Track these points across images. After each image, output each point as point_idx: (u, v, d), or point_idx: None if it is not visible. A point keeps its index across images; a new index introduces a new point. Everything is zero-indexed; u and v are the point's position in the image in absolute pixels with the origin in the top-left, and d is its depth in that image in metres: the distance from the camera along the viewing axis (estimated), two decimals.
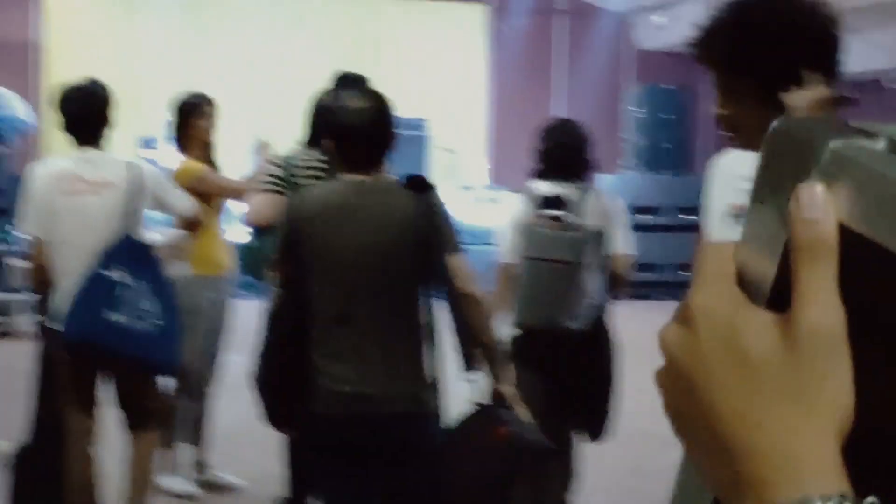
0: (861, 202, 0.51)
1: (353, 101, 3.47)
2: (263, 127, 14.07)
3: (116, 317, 4.32)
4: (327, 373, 3.36)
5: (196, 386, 5.61)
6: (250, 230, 4.58)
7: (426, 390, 3.40)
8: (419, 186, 3.46)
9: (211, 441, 5.84)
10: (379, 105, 3.47)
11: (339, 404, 3.35)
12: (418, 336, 3.42)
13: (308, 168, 4.40)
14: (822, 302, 0.51)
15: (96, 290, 4.34)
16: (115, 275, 4.36)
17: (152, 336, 4.42)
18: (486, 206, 12.99)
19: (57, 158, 4.72)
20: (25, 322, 9.45)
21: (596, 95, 16.55)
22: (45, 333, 4.64)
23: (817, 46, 2.31)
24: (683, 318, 0.55)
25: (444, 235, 3.42)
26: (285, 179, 4.40)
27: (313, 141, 4.47)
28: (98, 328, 4.32)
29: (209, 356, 5.64)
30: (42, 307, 4.66)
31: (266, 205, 4.37)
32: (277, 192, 4.37)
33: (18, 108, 11.78)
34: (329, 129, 3.56)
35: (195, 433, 5.72)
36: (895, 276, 0.50)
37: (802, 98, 2.22)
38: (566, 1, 17.29)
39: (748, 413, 0.52)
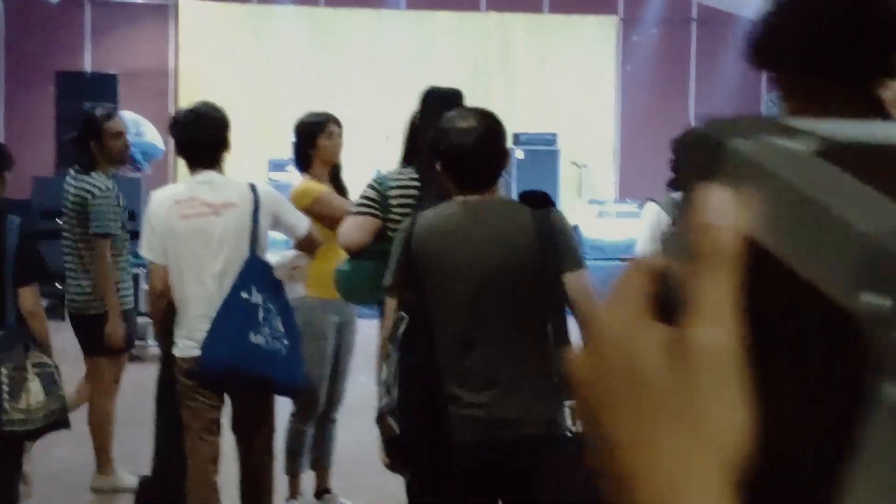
0: (764, 210, 0.47)
1: (462, 121, 3.36)
2: (393, 147, 14.18)
3: (258, 339, 4.29)
4: (456, 398, 3.25)
5: (322, 411, 5.51)
6: (346, 254, 4.49)
7: (560, 412, 3.25)
8: (537, 203, 3.33)
9: (334, 467, 5.72)
10: (488, 124, 3.38)
11: (470, 430, 3.24)
12: (547, 356, 3.27)
13: (400, 188, 4.31)
14: (715, 318, 0.47)
15: (239, 314, 4.31)
16: (254, 297, 4.32)
17: (285, 357, 4.39)
18: (616, 221, 12.76)
19: (176, 184, 4.67)
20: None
21: (732, 105, 16.15)
22: (169, 360, 4.58)
23: (892, 28, 1.96)
24: (588, 340, 0.52)
25: (565, 252, 3.29)
26: (378, 201, 4.32)
27: (408, 160, 4.43)
28: (244, 352, 4.28)
29: (336, 380, 5.53)
30: (164, 333, 4.60)
31: (358, 228, 4.31)
32: (371, 214, 4.30)
33: (153, 134, 11.97)
34: (438, 151, 3.46)
35: (318, 459, 5.62)
36: (797, 294, 0.45)
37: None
38: (698, 10, 16.95)
39: (639, 439, 0.48)
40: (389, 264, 3.43)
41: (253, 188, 4.55)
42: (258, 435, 4.62)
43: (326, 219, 5.17)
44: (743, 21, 16.73)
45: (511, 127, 14.42)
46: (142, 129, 11.77)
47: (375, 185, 4.40)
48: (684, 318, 0.48)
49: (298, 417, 5.44)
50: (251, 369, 4.32)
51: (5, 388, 4.33)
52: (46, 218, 12.29)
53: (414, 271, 3.32)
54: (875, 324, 0.43)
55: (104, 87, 11.80)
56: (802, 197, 0.45)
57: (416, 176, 4.28)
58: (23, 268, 4.57)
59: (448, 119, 3.44)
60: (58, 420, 4.51)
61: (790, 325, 0.48)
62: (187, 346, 4.41)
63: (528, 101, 15.54)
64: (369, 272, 4.23)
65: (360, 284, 4.33)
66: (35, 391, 4.39)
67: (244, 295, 4.32)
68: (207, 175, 4.51)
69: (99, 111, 5.93)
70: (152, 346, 9.66)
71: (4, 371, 4.33)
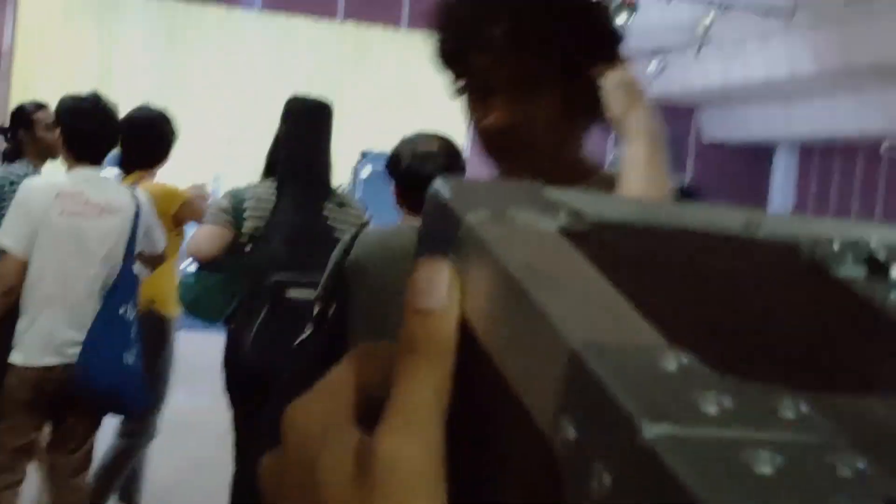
0: (483, 299, 0.39)
1: (419, 147, 3.45)
2: (227, 152, 13.73)
3: (129, 359, 4.02)
4: None
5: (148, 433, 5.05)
6: (192, 265, 4.27)
7: None
8: None
9: (145, 494, 5.26)
10: (448, 151, 3.49)
11: None
12: None
13: (255, 199, 4.18)
14: (408, 425, 0.38)
15: (116, 331, 4.01)
16: (129, 313, 4.04)
17: (141, 376, 4.11)
18: None
19: (58, 174, 4.28)
20: None
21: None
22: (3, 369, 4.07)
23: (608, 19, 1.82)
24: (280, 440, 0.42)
25: None
26: (232, 212, 4.16)
27: (268, 171, 4.30)
28: (121, 373, 3.99)
29: (161, 400, 5.07)
30: (3, 337, 4.05)
31: (211, 238, 4.16)
32: (224, 225, 4.15)
33: None
34: (394, 174, 3.48)
35: (130, 485, 5.12)
36: (508, 398, 0.36)
37: (617, 79, 1.71)
38: None
39: None
40: (323, 277, 3.37)
41: (135, 194, 4.23)
42: (81, 455, 4.22)
43: (179, 224, 4.90)
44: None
45: (360, 144, 14.00)
46: None
47: (230, 195, 4.23)
48: (379, 422, 0.39)
49: (135, 439, 4.96)
50: (123, 390, 4.03)
51: None
52: None
53: (342, 287, 3.25)
54: (568, 463, 0.33)
55: None
56: (520, 290, 0.37)
57: (273, 189, 4.16)
58: None
59: (406, 143, 3.49)
60: None
61: (501, 434, 0.38)
62: (35, 354, 3.98)
63: (381, 117, 15.14)
64: (217, 286, 4.10)
65: (207, 298, 4.13)
66: None
67: (121, 311, 4.03)
68: (92, 171, 4.15)
69: (28, 103, 5.50)
70: None
71: None
